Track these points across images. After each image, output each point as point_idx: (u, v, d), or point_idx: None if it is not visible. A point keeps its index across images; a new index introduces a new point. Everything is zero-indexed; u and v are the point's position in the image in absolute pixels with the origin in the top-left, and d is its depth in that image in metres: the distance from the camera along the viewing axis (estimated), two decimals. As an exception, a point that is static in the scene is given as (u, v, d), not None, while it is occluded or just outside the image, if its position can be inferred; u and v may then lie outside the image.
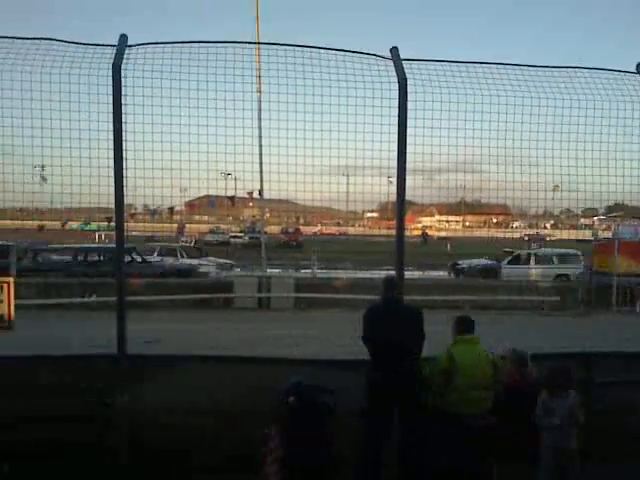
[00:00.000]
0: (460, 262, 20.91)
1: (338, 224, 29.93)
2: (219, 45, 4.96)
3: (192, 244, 24.52)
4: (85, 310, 11.77)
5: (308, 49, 5.04)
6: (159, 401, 4.82)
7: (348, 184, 5.70)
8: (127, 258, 13.15)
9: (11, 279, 4.53)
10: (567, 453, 4.32)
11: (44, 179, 5.18)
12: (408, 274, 8.61)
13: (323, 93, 5.09)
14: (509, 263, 19.50)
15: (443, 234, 37.57)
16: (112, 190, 4.72)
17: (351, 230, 21.76)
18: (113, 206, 4.76)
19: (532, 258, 19.65)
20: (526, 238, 22.45)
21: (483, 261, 20.47)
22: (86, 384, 4.66)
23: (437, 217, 41.60)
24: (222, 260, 21.11)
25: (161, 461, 4.65)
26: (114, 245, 4.97)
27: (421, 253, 21.80)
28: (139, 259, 16.46)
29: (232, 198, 9.15)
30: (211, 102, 4.97)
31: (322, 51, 5.05)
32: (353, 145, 5.14)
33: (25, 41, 4.81)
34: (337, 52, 5.08)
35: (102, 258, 16.55)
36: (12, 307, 4.45)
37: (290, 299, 14.31)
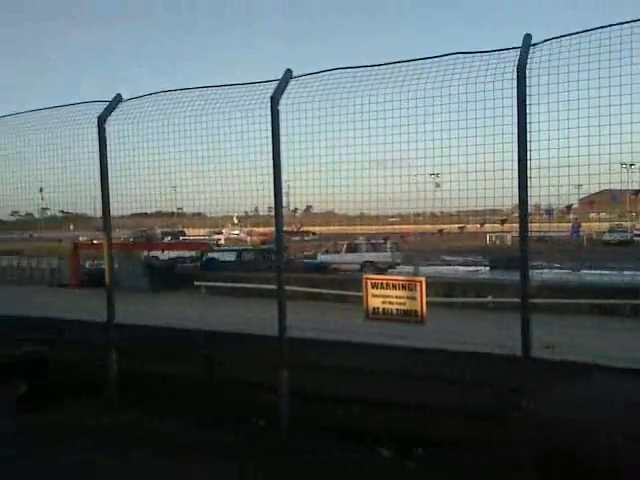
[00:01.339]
0: None
1: None
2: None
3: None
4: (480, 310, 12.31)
5: None
6: (559, 413, 4.62)
7: None
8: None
9: (422, 278, 5.10)
10: None
11: (438, 185, 5.62)
12: None
13: None
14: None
15: None
16: (509, 192, 4.78)
17: None
18: (507, 208, 4.79)
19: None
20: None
21: None
22: (489, 382, 4.83)
23: None
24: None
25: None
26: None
27: None
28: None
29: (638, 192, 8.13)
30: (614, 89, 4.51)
31: None
32: None
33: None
34: None
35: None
36: (424, 304, 5.00)
37: None
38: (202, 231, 27.53)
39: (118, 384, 6.52)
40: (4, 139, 7.56)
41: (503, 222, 7.44)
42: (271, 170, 5.53)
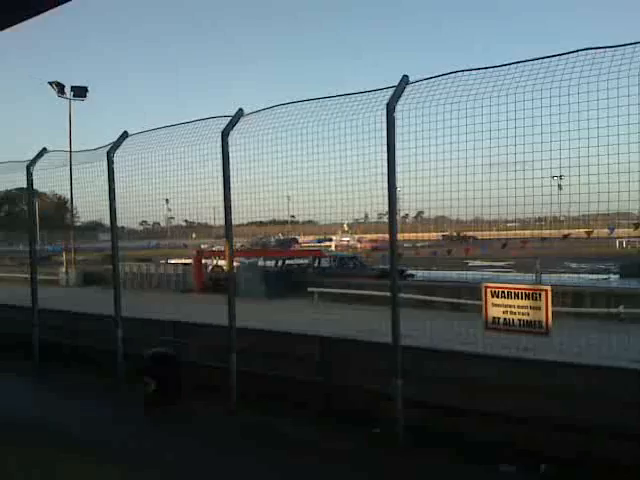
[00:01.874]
0: None
1: None
2: None
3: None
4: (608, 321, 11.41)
5: None
6: None
7: None
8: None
9: (548, 287, 4.82)
10: None
11: (560, 187, 5.29)
12: None
13: None
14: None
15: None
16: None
17: None
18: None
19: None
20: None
21: None
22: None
23: None
24: None
25: None
26: None
27: None
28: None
29: None
30: None
31: None
32: None
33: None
34: None
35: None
36: (550, 314, 4.72)
37: None
38: (311, 238, 28.05)
39: (238, 384, 6.81)
40: (135, 155, 8.19)
41: (637, 226, 6.88)
42: (381, 177, 5.53)
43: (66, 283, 27.57)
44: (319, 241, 28.53)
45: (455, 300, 15.71)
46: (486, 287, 5.21)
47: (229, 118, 6.83)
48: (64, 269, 29.94)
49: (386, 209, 6.17)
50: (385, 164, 5.46)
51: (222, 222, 7.58)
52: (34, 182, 9.63)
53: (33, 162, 9.43)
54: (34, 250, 10.26)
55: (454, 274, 21.45)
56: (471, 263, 27.51)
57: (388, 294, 5.67)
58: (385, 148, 5.45)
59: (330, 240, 31.48)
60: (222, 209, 6.89)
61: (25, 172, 9.48)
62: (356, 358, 6.41)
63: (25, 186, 9.86)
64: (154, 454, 5.62)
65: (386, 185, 5.50)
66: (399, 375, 5.55)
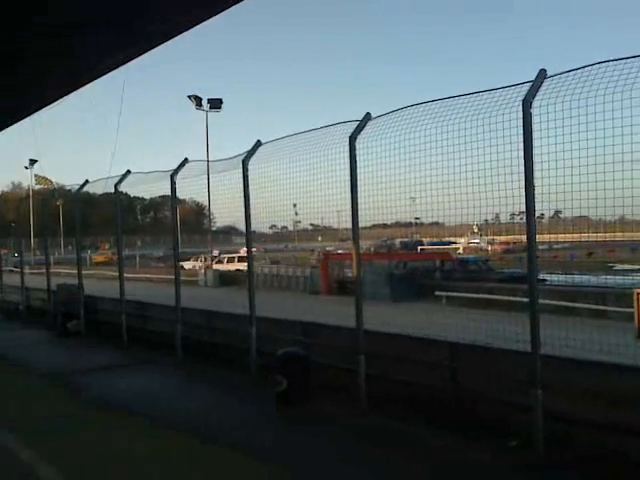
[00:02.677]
0: None
1: None
2: None
3: None
4: None
5: None
6: None
7: None
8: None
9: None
10: None
11: None
12: None
13: None
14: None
15: None
16: None
17: None
18: None
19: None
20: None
21: None
22: None
23: None
24: None
25: None
26: None
27: None
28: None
29: None
30: None
31: None
32: None
33: None
34: None
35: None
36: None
37: None
38: (429, 240, 27.34)
39: (366, 387, 6.83)
40: (265, 162, 8.55)
41: None
42: (515, 176, 5.28)
43: (204, 284, 29.46)
44: (441, 244, 27.75)
45: (599, 307, 14.49)
46: (639, 294, 4.75)
47: (356, 123, 6.90)
48: (203, 270, 32.06)
49: (519, 209, 5.88)
50: (521, 162, 5.21)
51: (346, 225, 7.68)
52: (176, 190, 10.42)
53: (176, 171, 10.20)
54: (177, 253, 11.08)
55: (595, 279, 19.84)
56: (618, 267, 25.29)
57: (523, 299, 5.39)
58: (521, 145, 5.21)
59: (449, 244, 30.38)
60: (346, 213, 6.98)
61: (169, 181, 10.28)
62: (488, 365, 6.17)
63: (167, 194, 10.71)
64: (295, 454, 5.74)
65: (521, 184, 5.24)
66: (538, 385, 5.24)
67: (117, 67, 9.96)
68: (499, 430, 5.74)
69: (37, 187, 58.48)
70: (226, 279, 29.01)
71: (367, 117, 6.91)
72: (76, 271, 14.52)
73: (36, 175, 58.95)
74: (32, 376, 9.65)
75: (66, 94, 11.77)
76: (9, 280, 18.99)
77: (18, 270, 18.91)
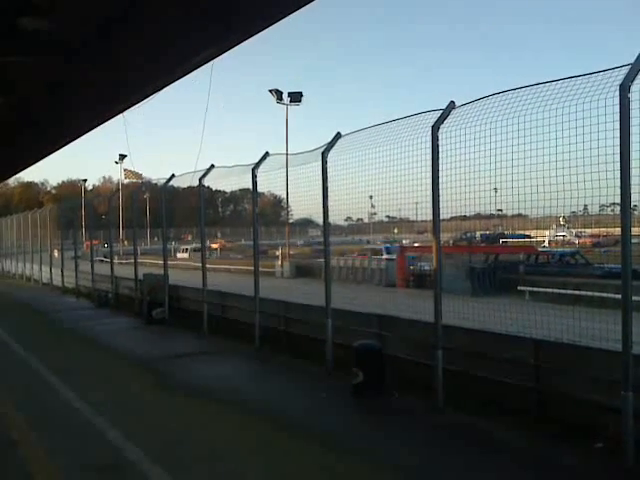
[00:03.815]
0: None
1: None
2: None
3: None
4: None
5: None
6: None
7: None
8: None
9: None
10: None
11: None
12: None
13: None
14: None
15: None
16: None
17: None
18: None
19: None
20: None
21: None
22: None
23: None
24: None
25: None
26: None
27: None
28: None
29: None
30: None
31: None
32: None
33: None
34: None
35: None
36: None
37: None
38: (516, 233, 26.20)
39: (444, 382, 6.68)
40: (344, 154, 8.51)
41: None
42: (610, 165, 4.97)
43: (281, 275, 30.00)
44: (522, 237, 26.56)
45: None
46: None
47: (439, 112, 6.71)
48: (279, 262, 32.65)
49: (611, 200, 5.56)
50: (617, 150, 4.89)
51: (424, 217, 7.50)
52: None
53: (257, 165, 10.38)
54: (257, 245, 11.28)
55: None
56: None
57: (616, 296, 5.08)
58: (617, 133, 4.90)
59: (524, 237, 29.06)
60: (423, 204, 6.82)
61: (250, 174, 10.47)
62: (575, 365, 5.87)
63: (247, 187, 10.91)
64: (377, 447, 5.71)
65: (616, 175, 4.92)
66: (630, 387, 4.94)
67: (209, 60, 10.07)
68: (584, 431, 5.52)
69: (126, 181, 61.38)
70: (302, 270, 29.38)
71: (451, 105, 6.69)
72: (161, 261, 15.15)
73: (125, 169, 61.89)
74: (120, 360, 10.20)
75: (160, 88, 12.03)
76: (100, 269, 20.08)
77: (108, 260, 19.95)
